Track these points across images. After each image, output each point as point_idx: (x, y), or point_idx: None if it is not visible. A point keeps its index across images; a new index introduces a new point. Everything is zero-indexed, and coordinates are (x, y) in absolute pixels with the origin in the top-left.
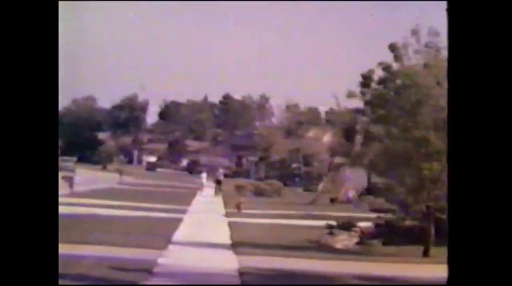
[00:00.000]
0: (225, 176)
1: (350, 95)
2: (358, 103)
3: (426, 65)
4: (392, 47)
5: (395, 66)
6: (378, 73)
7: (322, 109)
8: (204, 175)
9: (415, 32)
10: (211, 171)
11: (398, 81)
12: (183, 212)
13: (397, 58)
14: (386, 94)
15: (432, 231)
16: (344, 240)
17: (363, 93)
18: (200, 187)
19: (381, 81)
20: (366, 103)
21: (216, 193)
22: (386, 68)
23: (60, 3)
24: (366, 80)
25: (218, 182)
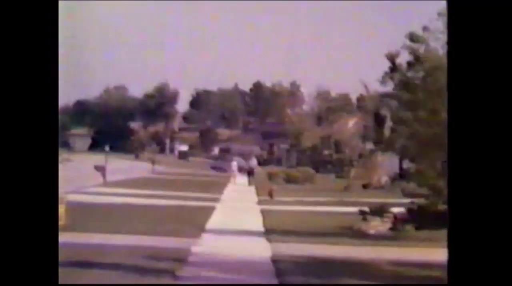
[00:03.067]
0: (258, 163)
1: (383, 81)
2: (388, 88)
3: None
4: (412, 36)
5: (420, 49)
6: (404, 57)
7: (353, 95)
8: (234, 164)
9: (441, 15)
10: (243, 158)
11: (426, 65)
12: (216, 200)
13: (420, 42)
14: (413, 78)
15: None
16: (377, 226)
17: (391, 78)
18: (233, 174)
19: (409, 65)
20: (395, 88)
21: (249, 183)
22: (412, 52)
23: None
24: (393, 64)
25: (250, 172)
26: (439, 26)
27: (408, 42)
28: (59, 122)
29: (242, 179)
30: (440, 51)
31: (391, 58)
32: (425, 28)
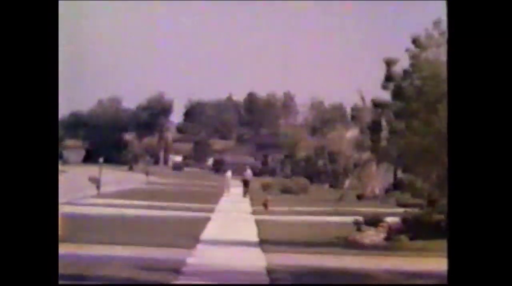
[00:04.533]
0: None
1: (384, 87)
2: (383, 98)
3: None
4: (415, 40)
5: (420, 57)
6: (401, 64)
7: (348, 105)
8: (229, 174)
9: (437, 24)
10: (238, 169)
11: (422, 73)
12: (211, 210)
13: (420, 49)
14: (407, 88)
15: None
16: (371, 236)
17: (384, 87)
18: (226, 187)
19: (405, 74)
20: (391, 98)
21: (244, 194)
22: (413, 56)
23: (87, 4)
24: (389, 71)
25: (245, 183)
26: (435, 36)
27: (411, 47)
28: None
29: (237, 191)
30: (435, 60)
31: (389, 63)
32: (427, 36)
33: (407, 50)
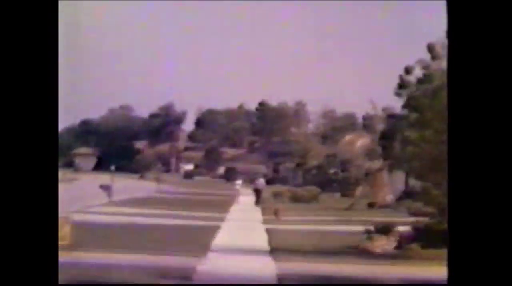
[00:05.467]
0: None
1: (398, 94)
2: (395, 107)
3: None
4: (430, 48)
5: (433, 66)
6: (415, 74)
7: (359, 114)
8: (239, 182)
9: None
10: (249, 178)
11: (435, 83)
12: (221, 219)
13: (434, 58)
14: (420, 97)
15: None
16: (383, 245)
17: (398, 95)
18: (236, 195)
19: (419, 82)
20: (403, 106)
21: (256, 204)
22: (425, 67)
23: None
24: (403, 81)
25: (257, 192)
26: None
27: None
28: (64, 142)
29: (248, 200)
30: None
31: (406, 71)
32: (443, 45)
33: (419, 60)
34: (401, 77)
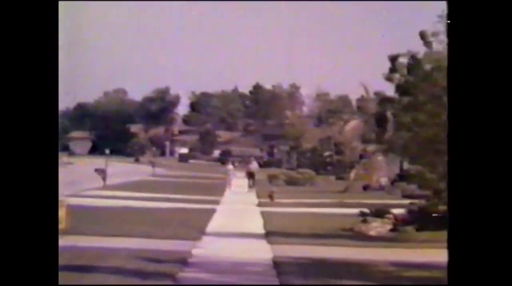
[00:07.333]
0: (259, 166)
1: (388, 79)
2: (388, 89)
3: None
4: (422, 35)
5: (422, 53)
6: (405, 61)
7: (353, 97)
8: (230, 167)
9: (443, 18)
10: (243, 161)
11: (426, 67)
12: (216, 202)
13: (427, 44)
14: (412, 81)
15: None
16: (377, 227)
17: (390, 79)
18: (228, 183)
19: (409, 67)
20: (395, 90)
21: (249, 187)
22: (412, 56)
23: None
24: (393, 65)
25: (251, 175)
26: (440, 28)
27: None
28: (59, 126)
29: (241, 183)
30: (442, 52)
31: (394, 58)
32: (433, 34)
33: (407, 53)
34: (392, 61)
